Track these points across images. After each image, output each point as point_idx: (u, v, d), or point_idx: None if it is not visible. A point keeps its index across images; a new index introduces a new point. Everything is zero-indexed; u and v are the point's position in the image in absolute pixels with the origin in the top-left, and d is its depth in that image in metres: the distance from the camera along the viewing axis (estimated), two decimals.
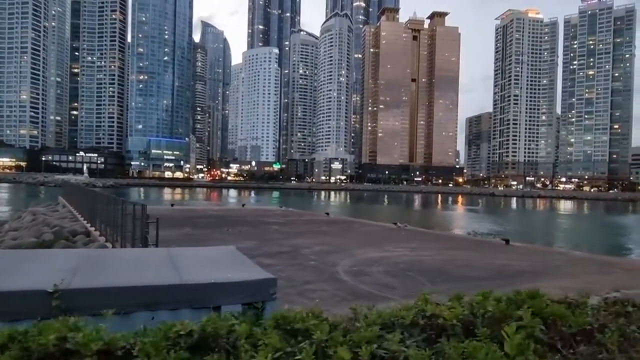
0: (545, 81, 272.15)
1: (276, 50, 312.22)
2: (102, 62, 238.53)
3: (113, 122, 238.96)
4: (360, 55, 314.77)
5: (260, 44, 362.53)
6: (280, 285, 11.00)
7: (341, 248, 17.25)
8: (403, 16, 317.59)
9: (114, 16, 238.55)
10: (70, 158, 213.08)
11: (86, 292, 3.56)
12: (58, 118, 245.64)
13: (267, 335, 2.24)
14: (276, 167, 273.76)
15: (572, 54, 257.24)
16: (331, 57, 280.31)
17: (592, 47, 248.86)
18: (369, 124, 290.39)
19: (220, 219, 28.14)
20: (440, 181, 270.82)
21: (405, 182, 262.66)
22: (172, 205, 39.46)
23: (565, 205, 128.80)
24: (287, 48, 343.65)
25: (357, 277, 12.10)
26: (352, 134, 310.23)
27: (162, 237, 18.76)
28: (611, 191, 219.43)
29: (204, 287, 3.98)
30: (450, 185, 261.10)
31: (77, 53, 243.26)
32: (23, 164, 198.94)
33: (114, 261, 5.05)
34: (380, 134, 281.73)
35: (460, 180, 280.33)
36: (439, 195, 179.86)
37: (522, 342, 2.07)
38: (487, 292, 3.10)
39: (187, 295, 3.79)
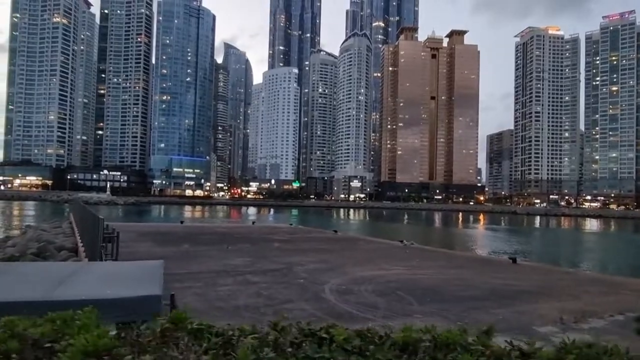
0: (567, 98, 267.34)
1: (296, 70, 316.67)
2: (127, 84, 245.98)
3: (136, 141, 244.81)
4: (379, 74, 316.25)
5: (280, 64, 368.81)
6: (257, 304, 10.80)
7: (336, 266, 16.89)
8: (422, 35, 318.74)
9: (139, 39, 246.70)
10: (94, 176, 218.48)
11: None
12: (84, 137, 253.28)
13: None
14: (295, 185, 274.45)
15: (594, 70, 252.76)
16: (350, 76, 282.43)
17: (615, 63, 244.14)
18: (388, 142, 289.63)
19: (225, 236, 28.09)
20: (460, 199, 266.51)
21: (425, 200, 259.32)
22: (182, 222, 39.70)
23: (590, 224, 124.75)
24: (307, 68, 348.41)
25: (342, 297, 11.73)
26: (372, 152, 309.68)
27: (156, 253, 18.76)
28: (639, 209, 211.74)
29: (69, 304, 3.55)
30: (471, 203, 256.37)
31: (103, 75, 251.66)
32: (49, 182, 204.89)
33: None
34: (399, 152, 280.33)
35: (482, 198, 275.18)
36: (460, 214, 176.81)
37: None
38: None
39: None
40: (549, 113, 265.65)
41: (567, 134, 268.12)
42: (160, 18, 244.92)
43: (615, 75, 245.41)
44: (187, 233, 28.90)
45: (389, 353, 1.96)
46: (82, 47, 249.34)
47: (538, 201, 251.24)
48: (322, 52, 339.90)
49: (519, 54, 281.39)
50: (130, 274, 5.00)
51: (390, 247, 25.82)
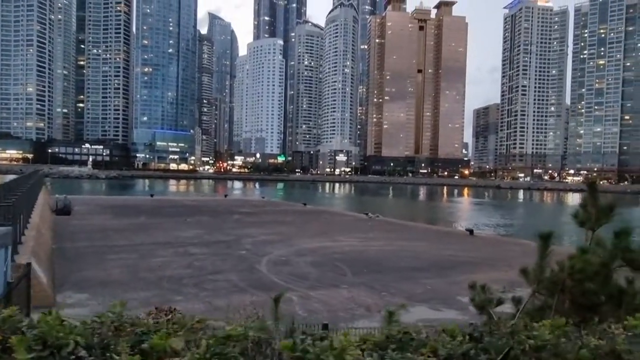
0: (554, 71, 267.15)
1: (280, 42, 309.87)
2: (108, 55, 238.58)
3: (119, 114, 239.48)
4: (366, 46, 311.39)
5: (266, 35, 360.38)
6: (183, 275, 10.55)
7: (288, 238, 16.76)
8: (410, 6, 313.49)
9: (118, 8, 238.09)
10: (76, 150, 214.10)
11: None
12: (65, 110, 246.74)
13: None
14: (281, 159, 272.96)
15: (582, 43, 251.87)
16: (336, 48, 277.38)
17: (603, 36, 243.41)
18: (374, 116, 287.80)
19: (190, 208, 27.77)
20: (446, 173, 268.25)
21: (410, 174, 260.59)
22: (152, 195, 39.19)
23: (572, 198, 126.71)
24: (292, 39, 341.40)
25: (277, 268, 11.60)
26: (358, 126, 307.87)
27: (108, 226, 18.41)
28: (621, 183, 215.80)
29: None
30: (456, 177, 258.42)
31: (82, 45, 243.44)
32: (29, 156, 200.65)
33: None
34: (385, 126, 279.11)
35: (466, 172, 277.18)
36: (444, 188, 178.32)
37: None
38: None
39: None
40: (535, 87, 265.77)
41: (552, 108, 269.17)
42: None
43: (602, 49, 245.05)
44: (152, 206, 28.48)
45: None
46: (59, 17, 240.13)
47: (522, 175, 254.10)
48: (308, 23, 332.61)
49: (507, 26, 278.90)
50: None
51: (354, 219, 25.79)
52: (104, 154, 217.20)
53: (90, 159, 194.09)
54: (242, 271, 11.05)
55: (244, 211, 26.84)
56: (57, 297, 8.15)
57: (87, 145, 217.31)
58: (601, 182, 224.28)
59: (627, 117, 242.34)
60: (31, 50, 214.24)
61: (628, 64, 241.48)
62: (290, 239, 16.59)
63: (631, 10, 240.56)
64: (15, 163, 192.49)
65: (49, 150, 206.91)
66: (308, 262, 12.38)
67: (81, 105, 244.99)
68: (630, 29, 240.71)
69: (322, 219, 24.66)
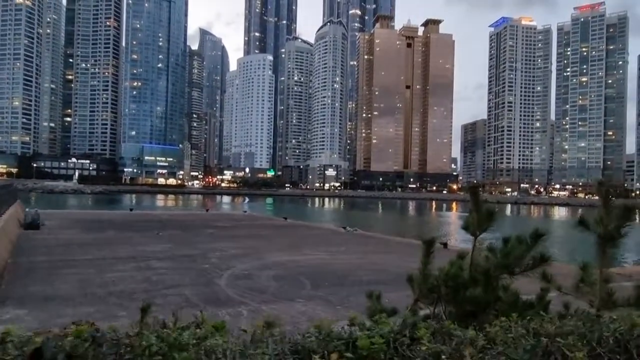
0: (539, 88, 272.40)
1: (270, 57, 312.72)
2: (96, 69, 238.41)
3: (106, 128, 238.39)
4: (355, 63, 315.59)
5: (256, 51, 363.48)
6: (136, 290, 10.28)
7: (257, 252, 16.55)
8: (397, 24, 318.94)
9: (108, 23, 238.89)
10: (62, 164, 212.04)
11: None
12: (52, 125, 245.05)
13: None
14: (270, 173, 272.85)
15: (565, 61, 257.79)
16: (325, 64, 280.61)
17: (585, 54, 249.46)
18: (363, 131, 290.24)
19: (166, 223, 27.43)
20: (434, 188, 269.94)
21: (399, 189, 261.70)
22: (131, 210, 38.70)
23: (557, 213, 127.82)
24: (282, 55, 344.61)
25: (236, 282, 11.40)
26: (347, 141, 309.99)
27: (73, 240, 18.03)
28: None
29: None
30: (444, 192, 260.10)
31: (71, 60, 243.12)
32: (14, 170, 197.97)
33: None
34: (374, 141, 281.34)
35: (455, 187, 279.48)
36: (433, 202, 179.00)
37: None
38: None
39: None
40: (521, 103, 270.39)
41: (538, 124, 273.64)
42: (130, 1, 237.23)
43: (585, 66, 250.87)
44: (126, 220, 28.07)
45: None
46: (48, 31, 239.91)
47: (509, 190, 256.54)
48: (298, 40, 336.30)
49: (492, 44, 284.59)
50: None
51: (331, 233, 25.65)
52: (91, 168, 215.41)
53: (77, 173, 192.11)
54: (198, 285, 10.82)
55: (220, 225, 26.56)
56: None
57: (74, 159, 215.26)
58: (586, 197, 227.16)
59: (610, 133, 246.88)
60: (18, 64, 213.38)
61: (610, 81, 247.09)
62: (260, 253, 16.38)
63: (611, 30, 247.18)
64: None
65: (34, 165, 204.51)
66: (270, 276, 12.19)
67: (68, 119, 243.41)
68: (611, 47, 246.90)
69: (298, 233, 24.48)
